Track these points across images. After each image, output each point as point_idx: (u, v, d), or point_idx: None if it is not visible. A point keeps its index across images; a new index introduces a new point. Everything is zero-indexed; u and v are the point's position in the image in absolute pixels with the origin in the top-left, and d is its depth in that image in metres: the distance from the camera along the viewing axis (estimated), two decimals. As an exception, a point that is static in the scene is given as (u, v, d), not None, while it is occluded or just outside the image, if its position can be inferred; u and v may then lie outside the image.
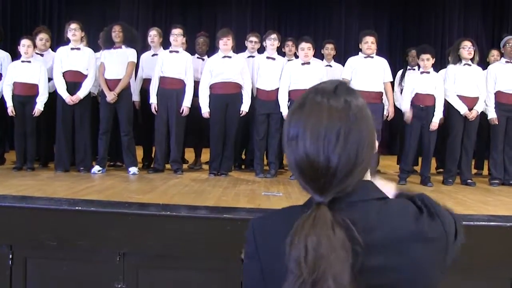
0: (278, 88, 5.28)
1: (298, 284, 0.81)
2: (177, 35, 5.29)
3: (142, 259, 3.01)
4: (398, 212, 0.92)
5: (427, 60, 5.09)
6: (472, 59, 5.15)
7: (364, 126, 0.90)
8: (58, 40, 6.91)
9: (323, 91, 0.92)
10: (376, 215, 0.89)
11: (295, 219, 0.86)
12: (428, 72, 5.14)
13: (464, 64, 5.16)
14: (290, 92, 5.21)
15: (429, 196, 0.98)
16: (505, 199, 4.39)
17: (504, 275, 3.04)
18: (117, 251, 2.98)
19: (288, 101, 5.21)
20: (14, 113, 5.13)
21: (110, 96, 5.05)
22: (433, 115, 5.03)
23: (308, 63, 5.21)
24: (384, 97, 5.30)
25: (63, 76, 5.10)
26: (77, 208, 3.04)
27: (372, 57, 5.19)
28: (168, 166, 5.40)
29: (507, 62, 5.31)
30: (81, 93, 5.09)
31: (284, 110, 5.18)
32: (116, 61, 5.16)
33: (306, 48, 5.17)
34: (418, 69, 5.39)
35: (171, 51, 5.34)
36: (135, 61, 5.29)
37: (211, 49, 5.86)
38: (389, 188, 1.05)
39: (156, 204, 3.23)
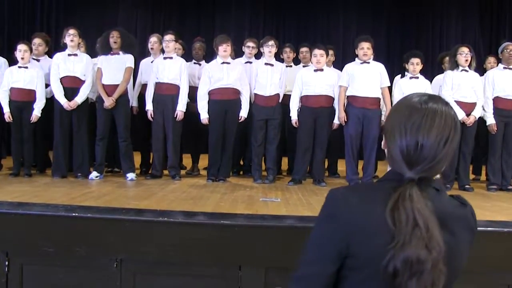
0: (276, 94, 5.31)
1: (421, 241, 1.03)
2: (168, 41, 5.30)
3: (139, 266, 3.00)
4: (453, 202, 1.21)
5: (416, 64, 5.13)
6: (469, 65, 5.17)
7: (459, 135, 1.19)
8: (55, 46, 6.92)
9: (433, 99, 1.18)
10: (441, 200, 1.15)
11: (378, 192, 1.15)
12: (417, 77, 5.16)
13: (462, 70, 5.18)
14: (302, 98, 5.24)
15: None
16: (503, 204, 4.39)
17: (502, 281, 3.03)
18: (115, 258, 2.96)
19: (299, 108, 5.23)
20: (11, 119, 5.12)
21: (108, 102, 5.05)
22: None
23: (321, 69, 5.23)
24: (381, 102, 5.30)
25: (61, 81, 5.10)
26: (74, 214, 3.02)
27: (369, 62, 5.19)
28: (166, 172, 5.39)
29: (505, 68, 5.33)
30: (79, 99, 5.08)
31: (294, 115, 5.21)
32: (114, 67, 5.17)
33: (318, 54, 5.19)
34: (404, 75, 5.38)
35: (165, 58, 5.35)
36: (133, 66, 5.29)
37: (208, 55, 5.85)
38: None
39: (153, 210, 3.22)
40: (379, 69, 5.22)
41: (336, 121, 5.23)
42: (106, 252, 2.97)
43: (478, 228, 2.97)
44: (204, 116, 5.21)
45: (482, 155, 5.89)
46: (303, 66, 5.68)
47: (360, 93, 5.10)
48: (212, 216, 3.17)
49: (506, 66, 5.32)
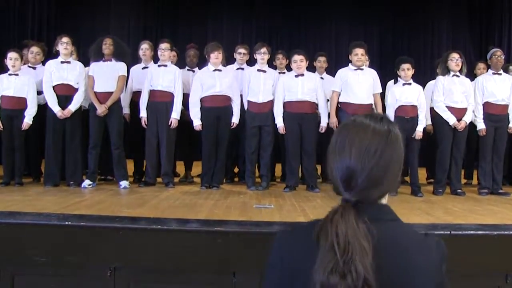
0: (269, 101, 5.31)
1: (332, 265, 0.97)
2: (164, 50, 5.32)
3: (133, 274, 2.98)
4: (409, 232, 1.11)
5: (407, 69, 5.16)
6: (460, 71, 5.22)
7: (397, 150, 1.10)
8: (47, 54, 6.90)
9: (371, 117, 1.13)
10: (390, 230, 1.07)
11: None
12: (410, 84, 5.20)
13: (453, 76, 5.22)
14: (285, 104, 5.24)
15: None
16: (494, 208, 4.42)
17: (492, 283, 3.05)
18: (108, 266, 2.95)
19: (284, 113, 5.23)
20: (2, 127, 5.09)
21: (101, 109, 5.04)
22: (418, 125, 5.09)
23: (302, 74, 5.25)
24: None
25: (54, 89, 5.08)
26: (66, 223, 3.01)
27: (362, 69, 5.23)
28: (159, 179, 5.38)
29: (494, 73, 5.39)
30: (73, 107, 5.07)
31: (279, 122, 5.22)
32: (106, 74, 5.16)
33: (298, 60, 5.21)
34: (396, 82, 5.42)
35: (159, 65, 5.35)
36: (126, 75, 5.30)
37: (202, 61, 5.87)
38: None
39: (147, 218, 3.21)
40: (372, 75, 5.26)
41: (323, 124, 5.24)
42: (100, 261, 2.95)
43: (469, 232, 3.03)
44: (196, 123, 5.22)
45: (473, 159, 5.92)
46: (279, 73, 5.70)
47: (354, 99, 5.13)
48: (206, 223, 3.17)
49: (495, 72, 5.39)
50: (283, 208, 4.06)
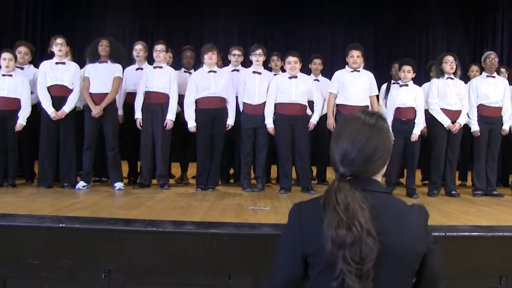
0: (265, 103, 5.29)
1: (337, 221, 1.20)
2: (159, 51, 5.31)
3: (128, 276, 2.97)
4: (397, 201, 1.36)
5: (408, 72, 5.17)
6: (454, 73, 5.25)
7: (383, 138, 1.35)
8: (41, 54, 6.87)
9: (364, 112, 1.40)
10: (381, 199, 1.30)
11: None
12: (407, 85, 5.21)
13: (447, 78, 5.25)
14: (276, 105, 5.24)
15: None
16: (488, 209, 4.45)
17: (486, 285, 3.07)
18: (103, 268, 2.93)
19: (274, 114, 5.23)
20: (-4, 128, 5.04)
21: (96, 110, 5.02)
22: (415, 127, 5.11)
23: (296, 76, 5.25)
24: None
25: (48, 90, 5.05)
26: (61, 225, 2.99)
27: (359, 70, 5.24)
28: (154, 181, 5.37)
29: (488, 76, 5.41)
30: (67, 108, 5.04)
31: (269, 123, 5.21)
32: (102, 75, 5.14)
33: (292, 61, 5.21)
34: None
35: (155, 67, 5.34)
36: (122, 76, 5.28)
37: (198, 63, 5.85)
38: None
39: (142, 220, 3.19)
40: (369, 77, 5.27)
41: (313, 121, 5.25)
42: (94, 263, 2.94)
43: (463, 234, 3.04)
44: (191, 125, 5.21)
45: (467, 161, 5.95)
46: (275, 75, 5.71)
47: (350, 101, 5.15)
48: (201, 225, 3.16)
49: (489, 74, 5.42)
50: (279, 209, 4.06)
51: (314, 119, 5.29)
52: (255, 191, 5.16)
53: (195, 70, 5.69)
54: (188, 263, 2.91)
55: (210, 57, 5.22)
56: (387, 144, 1.36)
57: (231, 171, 6.11)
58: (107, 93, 5.10)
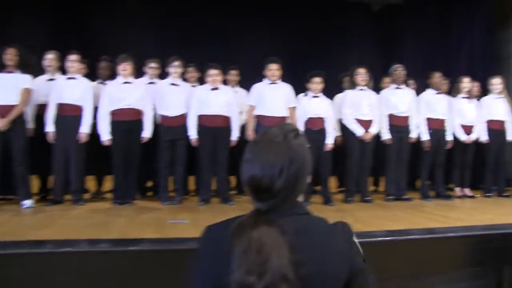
0: (182, 114, 5.26)
1: (246, 268, 1.02)
2: (73, 62, 5.11)
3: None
4: (319, 223, 1.20)
5: (318, 83, 5.35)
6: (366, 85, 5.51)
7: (300, 165, 1.16)
8: None
9: (277, 134, 1.17)
10: (304, 223, 1.16)
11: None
12: (318, 96, 5.39)
13: (360, 90, 5.49)
14: (199, 117, 5.22)
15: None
16: (400, 213, 4.68)
17: (402, 286, 3.21)
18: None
19: (198, 127, 5.21)
20: None
21: (1, 123, 4.71)
22: (327, 137, 5.29)
23: (217, 88, 5.26)
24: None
25: None
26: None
27: (277, 83, 5.34)
28: (68, 196, 5.12)
29: (396, 87, 5.73)
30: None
31: (193, 135, 5.18)
32: (7, 86, 4.82)
33: (214, 74, 5.23)
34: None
35: (68, 78, 5.13)
36: (31, 87, 4.98)
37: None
38: None
39: (54, 241, 3.02)
40: (287, 90, 5.38)
41: (233, 138, 5.28)
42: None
43: (379, 239, 3.17)
44: (105, 137, 5.05)
45: (380, 167, 6.22)
46: (192, 86, 5.71)
47: (269, 112, 5.23)
48: (119, 242, 3.06)
49: (397, 86, 5.73)
50: (199, 222, 4.02)
51: (235, 136, 5.30)
52: (174, 204, 5.09)
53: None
54: (105, 285, 2.80)
55: (125, 68, 5.10)
56: (308, 160, 1.19)
57: (149, 184, 5.98)
58: (13, 105, 4.79)
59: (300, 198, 1.21)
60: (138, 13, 8.89)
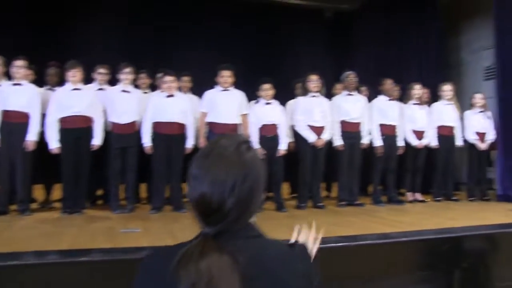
0: (134, 122, 5.19)
1: None
2: (18, 67, 4.93)
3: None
4: (274, 246, 1.08)
5: (268, 90, 5.40)
6: (319, 91, 5.58)
7: (254, 181, 1.05)
8: None
9: (227, 146, 1.06)
10: (256, 248, 1.04)
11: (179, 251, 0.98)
12: (271, 103, 5.43)
13: (312, 96, 5.56)
14: (154, 124, 5.16)
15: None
16: (352, 219, 4.75)
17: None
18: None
19: (152, 134, 5.14)
20: None
21: None
22: (280, 143, 5.33)
23: (173, 95, 5.20)
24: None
25: None
26: None
27: (229, 90, 5.34)
28: (13, 206, 4.92)
29: (348, 94, 5.84)
30: None
31: (147, 142, 5.11)
32: None
33: (169, 81, 5.18)
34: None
35: (14, 84, 4.94)
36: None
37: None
38: None
39: (-2, 254, 2.89)
40: (239, 97, 5.38)
41: (188, 146, 5.24)
42: None
43: (331, 245, 3.22)
44: (53, 146, 4.90)
45: (332, 173, 6.31)
46: (143, 93, 5.65)
47: (221, 119, 5.22)
48: (68, 254, 2.96)
49: (349, 93, 5.84)
50: (151, 230, 3.97)
51: (190, 144, 5.26)
52: (125, 212, 5.00)
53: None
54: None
55: (74, 75, 4.97)
56: (263, 176, 1.09)
57: (99, 192, 5.83)
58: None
59: (253, 219, 1.10)
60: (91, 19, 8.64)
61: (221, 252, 0.96)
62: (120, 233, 3.84)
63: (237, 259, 0.95)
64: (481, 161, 6.49)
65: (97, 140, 5.08)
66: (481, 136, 6.44)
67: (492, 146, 6.51)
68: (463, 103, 6.93)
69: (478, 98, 6.53)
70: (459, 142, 6.41)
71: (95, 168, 5.31)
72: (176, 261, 0.95)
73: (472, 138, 6.42)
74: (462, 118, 6.51)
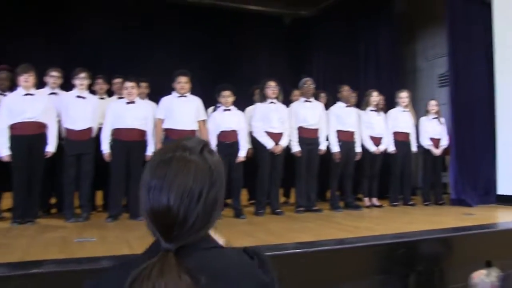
0: (89, 128, 5.08)
1: None
2: None
3: None
4: (234, 258, 1.01)
5: (227, 96, 5.40)
6: (276, 98, 5.62)
7: (219, 187, 1.00)
8: None
9: (191, 150, 0.99)
10: (216, 261, 0.97)
11: (133, 270, 0.89)
12: (230, 109, 5.43)
13: (270, 102, 5.59)
14: (113, 131, 5.08)
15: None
16: (310, 225, 4.79)
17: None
18: None
19: (111, 141, 5.06)
20: None
21: None
22: (239, 150, 5.34)
23: (133, 102, 5.14)
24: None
25: None
26: None
27: (186, 96, 5.29)
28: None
29: (305, 100, 5.90)
30: None
31: (106, 149, 5.04)
32: None
33: (129, 87, 5.12)
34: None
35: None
36: None
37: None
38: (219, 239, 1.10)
39: None
40: (196, 103, 5.35)
41: (148, 153, 5.17)
42: None
43: (289, 251, 3.23)
44: (4, 154, 4.72)
45: (290, 179, 6.36)
46: (100, 98, 5.56)
47: (177, 125, 5.17)
48: (19, 266, 2.84)
49: (306, 99, 5.91)
50: (107, 239, 3.87)
51: (150, 151, 5.18)
52: (79, 221, 4.87)
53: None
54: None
55: (27, 79, 4.81)
56: (224, 184, 1.03)
57: (53, 200, 5.66)
58: None
59: (212, 230, 1.03)
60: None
61: (181, 271, 0.89)
62: (75, 242, 3.74)
63: (198, 279, 0.89)
64: (435, 166, 6.69)
65: (51, 147, 4.92)
66: (436, 141, 6.64)
67: (446, 151, 6.72)
68: (418, 109, 7.14)
69: (433, 105, 6.74)
70: (414, 148, 6.59)
71: (49, 175, 5.15)
72: (130, 283, 0.88)
73: (427, 143, 6.62)
74: (417, 125, 6.70)
